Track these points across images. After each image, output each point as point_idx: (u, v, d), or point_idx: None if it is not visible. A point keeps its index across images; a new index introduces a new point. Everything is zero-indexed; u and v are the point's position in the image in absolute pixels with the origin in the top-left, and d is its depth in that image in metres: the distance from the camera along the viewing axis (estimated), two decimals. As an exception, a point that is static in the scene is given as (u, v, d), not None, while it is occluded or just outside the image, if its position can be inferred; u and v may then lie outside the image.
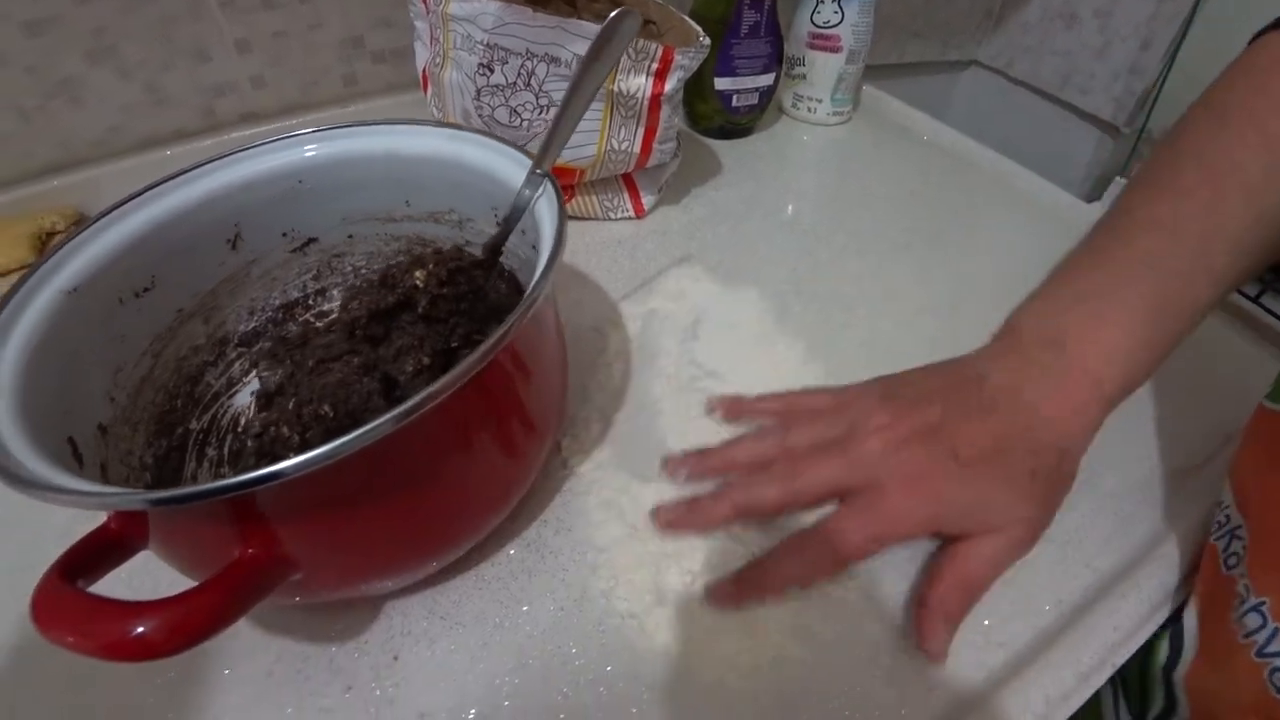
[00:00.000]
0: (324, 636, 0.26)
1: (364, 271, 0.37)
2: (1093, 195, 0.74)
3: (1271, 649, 0.24)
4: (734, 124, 0.59)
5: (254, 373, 0.35)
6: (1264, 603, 0.24)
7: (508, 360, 0.21)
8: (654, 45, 0.39)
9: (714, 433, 0.33)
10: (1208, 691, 0.27)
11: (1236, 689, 0.25)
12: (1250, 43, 0.32)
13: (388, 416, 0.18)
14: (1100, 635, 0.27)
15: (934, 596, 0.26)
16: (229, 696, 0.25)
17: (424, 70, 0.45)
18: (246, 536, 0.20)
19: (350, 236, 0.36)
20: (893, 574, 0.28)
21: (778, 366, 0.37)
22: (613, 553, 0.28)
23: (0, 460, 0.19)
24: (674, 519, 0.28)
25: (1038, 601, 0.28)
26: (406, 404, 0.18)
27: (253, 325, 0.35)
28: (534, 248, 0.30)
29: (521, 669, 0.25)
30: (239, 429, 0.33)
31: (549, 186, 0.26)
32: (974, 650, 0.26)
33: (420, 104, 0.54)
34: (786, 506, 0.27)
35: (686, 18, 0.44)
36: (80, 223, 0.50)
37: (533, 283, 0.22)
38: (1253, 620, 0.24)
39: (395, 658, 0.25)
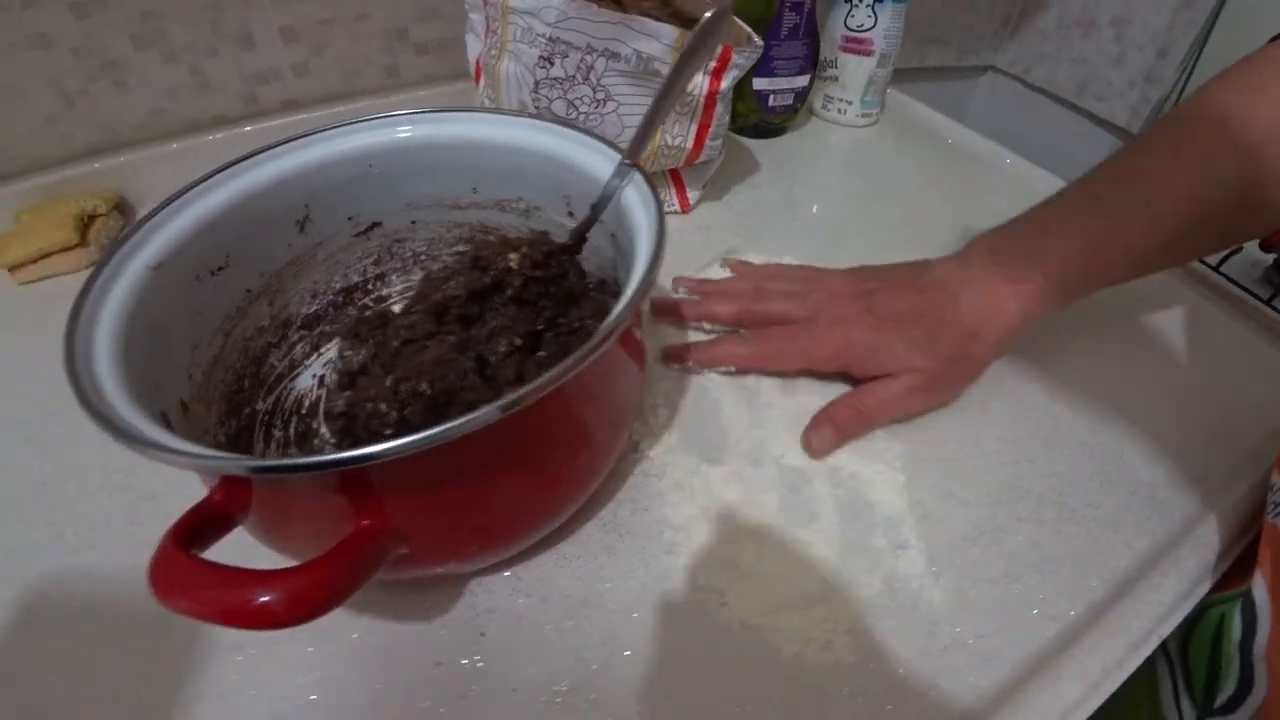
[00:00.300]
0: (409, 615, 0.26)
1: (423, 258, 0.38)
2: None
3: None
4: (769, 124, 0.60)
5: (315, 355, 0.35)
6: None
7: (615, 344, 0.22)
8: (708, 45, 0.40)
9: (767, 415, 0.34)
10: None
11: None
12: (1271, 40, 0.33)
13: (532, 386, 0.19)
14: (1148, 607, 0.28)
15: (831, 408, 0.33)
16: (313, 673, 0.25)
17: (477, 61, 0.45)
18: (363, 509, 0.21)
19: (413, 222, 0.36)
20: (951, 557, 0.29)
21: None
22: (689, 531, 0.29)
23: (129, 429, 0.20)
24: (671, 354, 0.37)
25: (1084, 580, 0.29)
26: (545, 376, 0.19)
27: (314, 308, 0.36)
28: (612, 236, 0.31)
29: (609, 642, 0.26)
30: (302, 410, 0.34)
31: (639, 176, 0.27)
32: (1029, 624, 0.27)
33: (461, 95, 0.55)
34: (747, 322, 0.37)
35: (736, 19, 0.45)
36: (121, 206, 0.50)
37: (642, 271, 0.23)
38: None
39: (482, 634, 0.26)
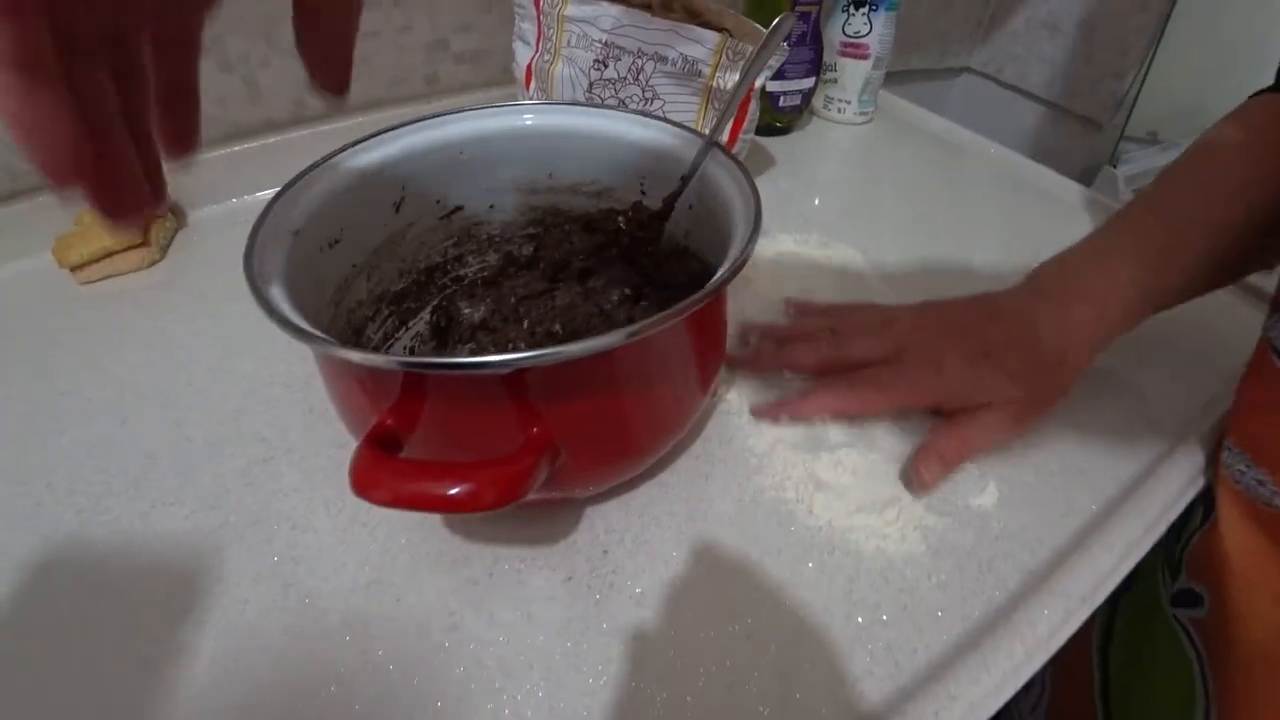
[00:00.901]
0: (535, 542, 0.30)
1: (497, 240, 0.41)
2: (1084, 183, 0.82)
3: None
4: (778, 123, 0.65)
5: (403, 329, 0.38)
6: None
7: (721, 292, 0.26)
8: (750, 47, 0.44)
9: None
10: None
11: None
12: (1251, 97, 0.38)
13: (683, 305, 0.22)
14: (1137, 519, 0.32)
15: (934, 442, 0.33)
16: (451, 599, 0.28)
17: (529, 66, 0.49)
18: (531, 417, 0.24)
19: (491, 206, 0.40)
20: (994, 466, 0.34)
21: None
22: (770, 457, 0.33)
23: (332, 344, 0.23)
24: (762, 411, 0.36)
25: (1102, 482, 0.34)
26: (691, 299, 0.23)
27: (401, 285, 0.39)
28: (690, 207, 0.35)
29: (713, 547, 0.29)
30: None
31: (719, 152, 0.31)
32: (1026, 551, 0.31)
33: (498, 99, 0.58)
34: (829, 368, 0.37)
35: (759, 26, 0.50)
36: (175, 209, 0.52)
37: (746, 232, 0.26)
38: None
39: (605, 552, 0.29)
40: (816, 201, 0.56)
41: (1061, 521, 0.32)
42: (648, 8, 0.48)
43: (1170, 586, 0.37)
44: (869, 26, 0.64)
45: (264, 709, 0.25)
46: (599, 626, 0.27)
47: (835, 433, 0.35)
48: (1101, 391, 0.38)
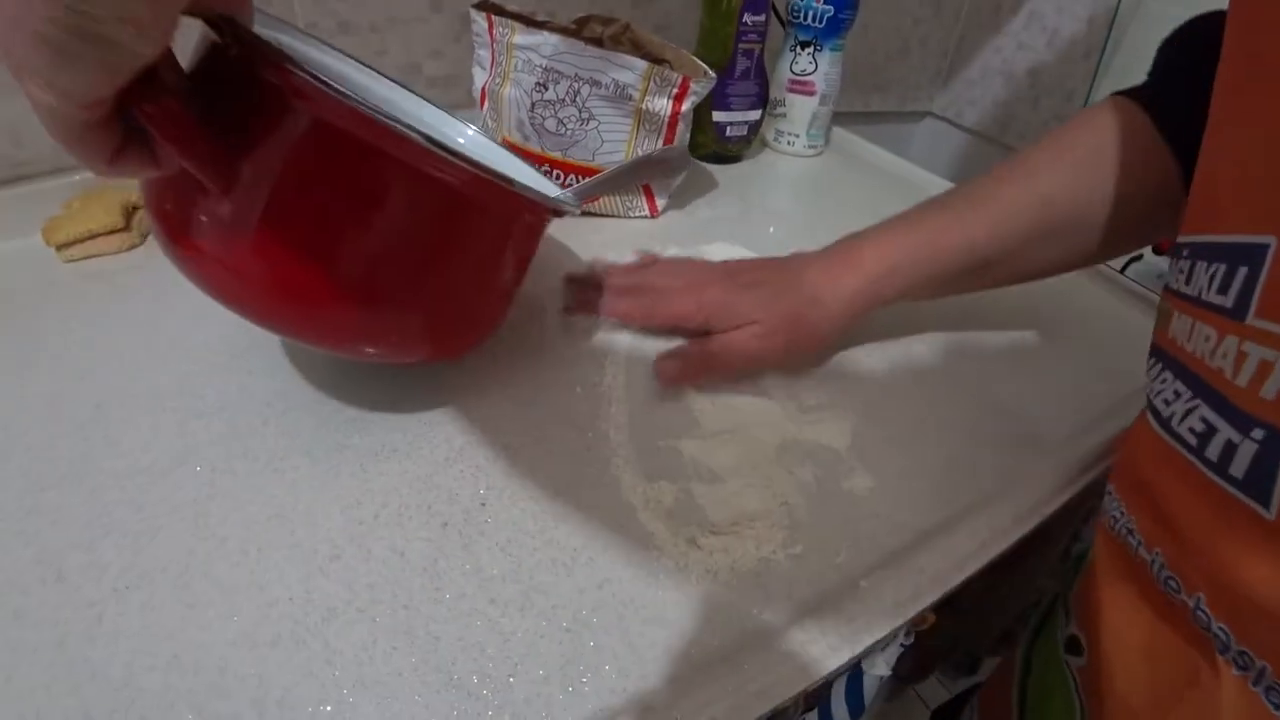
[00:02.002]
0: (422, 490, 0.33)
1: None
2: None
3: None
4: (727, 152, 0.70)
5: None
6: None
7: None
8: (676, 74, 0.49)
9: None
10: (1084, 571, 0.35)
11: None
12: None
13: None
14: (1006, 511, 0.35)
15: (681, 346, 0.40)
16: (337, 536, 0.31)
17: (483, 88, 0.54)
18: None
19: None
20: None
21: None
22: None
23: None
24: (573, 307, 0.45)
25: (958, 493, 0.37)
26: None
27: None
28: None
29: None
30: None
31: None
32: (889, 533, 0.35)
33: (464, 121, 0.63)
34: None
35: (695, 58, 0.55)
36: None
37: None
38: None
39: (483, 504, 0.33)
40: (754, 224, 0.60)
41: (930, 510, 0.35)
42: (599, 41, 0.53)
43: (1064, 630, 0.38)
44: (814, 65, 0.69)
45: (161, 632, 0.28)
46: (462, 567, 0.30)
47: (708, 419, 0.38)
48: (989, 392, 0.42)
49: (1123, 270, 0.78)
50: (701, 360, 0.39)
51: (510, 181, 0.29)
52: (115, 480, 0.34)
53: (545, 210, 0.34)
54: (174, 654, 0.27)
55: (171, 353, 0.41)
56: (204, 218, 0.28)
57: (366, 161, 0.28)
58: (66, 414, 0.37)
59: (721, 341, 0.39)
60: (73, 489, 0.33)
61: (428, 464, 0.34)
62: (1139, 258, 0.80)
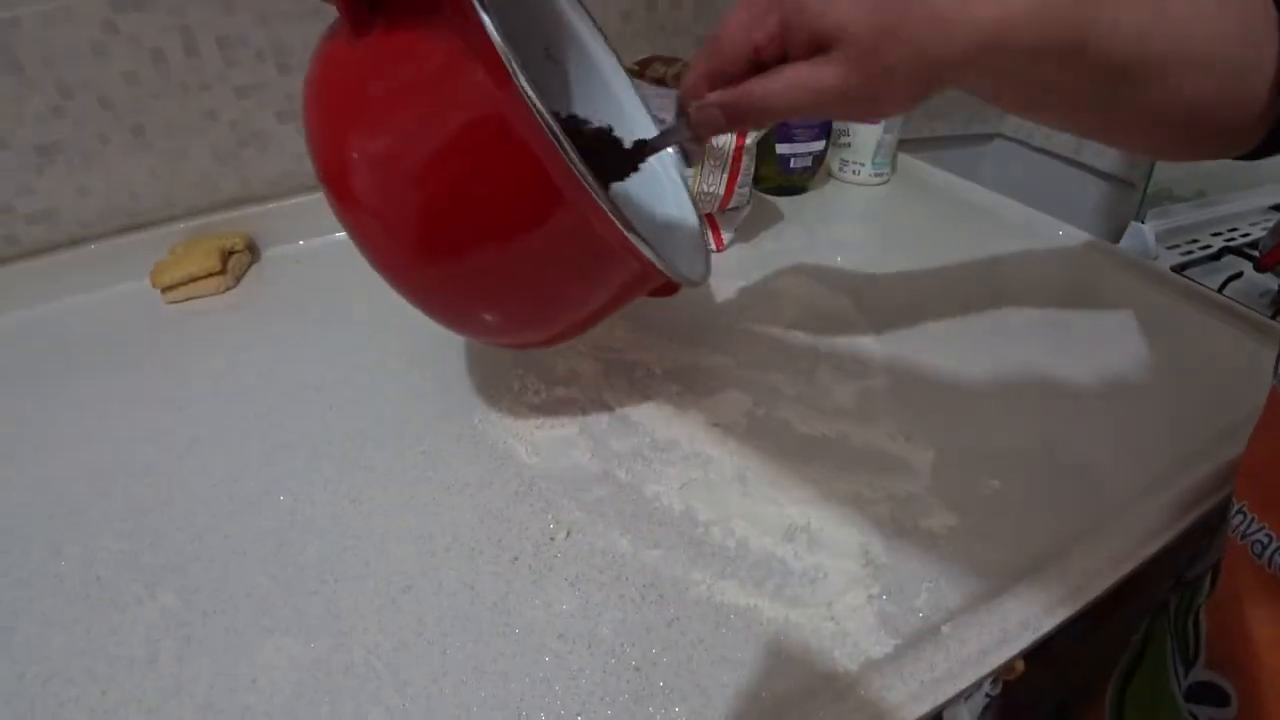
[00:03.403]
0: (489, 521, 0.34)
1: None
2: (1114, 240, 0.82)
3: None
4: (791, 183, 0.69)
5: None
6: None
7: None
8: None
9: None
10: (1221, 609, 0.31)
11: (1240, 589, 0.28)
12: None
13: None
14: (1100, 551, 0.32)
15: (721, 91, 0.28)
16: (409, 566, 0.32)
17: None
18: None
19: None
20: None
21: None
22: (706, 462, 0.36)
23: None
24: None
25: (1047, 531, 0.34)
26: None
27: None
28: None
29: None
30: None
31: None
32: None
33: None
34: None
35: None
36: (251, 246, 0.61)
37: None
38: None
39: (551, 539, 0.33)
40: (821, 255, 0.59)
41: (1016, 549, 0.33)
42: (662, 81, 0.54)
43: (1183, 675, 0.34)
44: (879, 94, 0.68)
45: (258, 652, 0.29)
46: (532, 602, 0.30)
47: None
48: (1080, 421, 0.39)
49: (1221, 290, 0.73)
50: (742, 103, 0.28)
51: (660, 257, 0.29)
52: (206, 507, 0.36)
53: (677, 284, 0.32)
54: (253, 677, 0.28)
55: (259, 387, 0.44)
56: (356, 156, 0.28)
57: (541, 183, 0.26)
58: (166, 444, 0.40)
59: (783, 77, 0.27)
60: (170, 514, 0.35)
61: (499, 498, 0.35)
62: (1239, 275, 0.75)
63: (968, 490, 0.35)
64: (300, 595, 0.31)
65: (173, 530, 0.34)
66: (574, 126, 0.36)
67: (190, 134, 0.58)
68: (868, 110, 0.28)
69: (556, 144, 0.24)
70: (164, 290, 0.55)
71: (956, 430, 0.39)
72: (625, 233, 0.27)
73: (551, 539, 0.32)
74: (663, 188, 0.43)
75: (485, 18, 0.24)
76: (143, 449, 0.39)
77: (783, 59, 0.27)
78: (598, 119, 0.38)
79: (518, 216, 0.28)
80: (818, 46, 0.26)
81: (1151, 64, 0.27)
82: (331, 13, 0.28)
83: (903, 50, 0.25)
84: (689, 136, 0.31)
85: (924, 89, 0.27)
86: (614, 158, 0.34)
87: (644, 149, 0.34)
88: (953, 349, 0.46)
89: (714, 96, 0.29)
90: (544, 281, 0.30)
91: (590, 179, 0.25)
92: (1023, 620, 0.28)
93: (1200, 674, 0.31)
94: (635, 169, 0.34)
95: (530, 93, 0.24)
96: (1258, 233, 0.86)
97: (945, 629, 0.28)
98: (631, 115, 0.42)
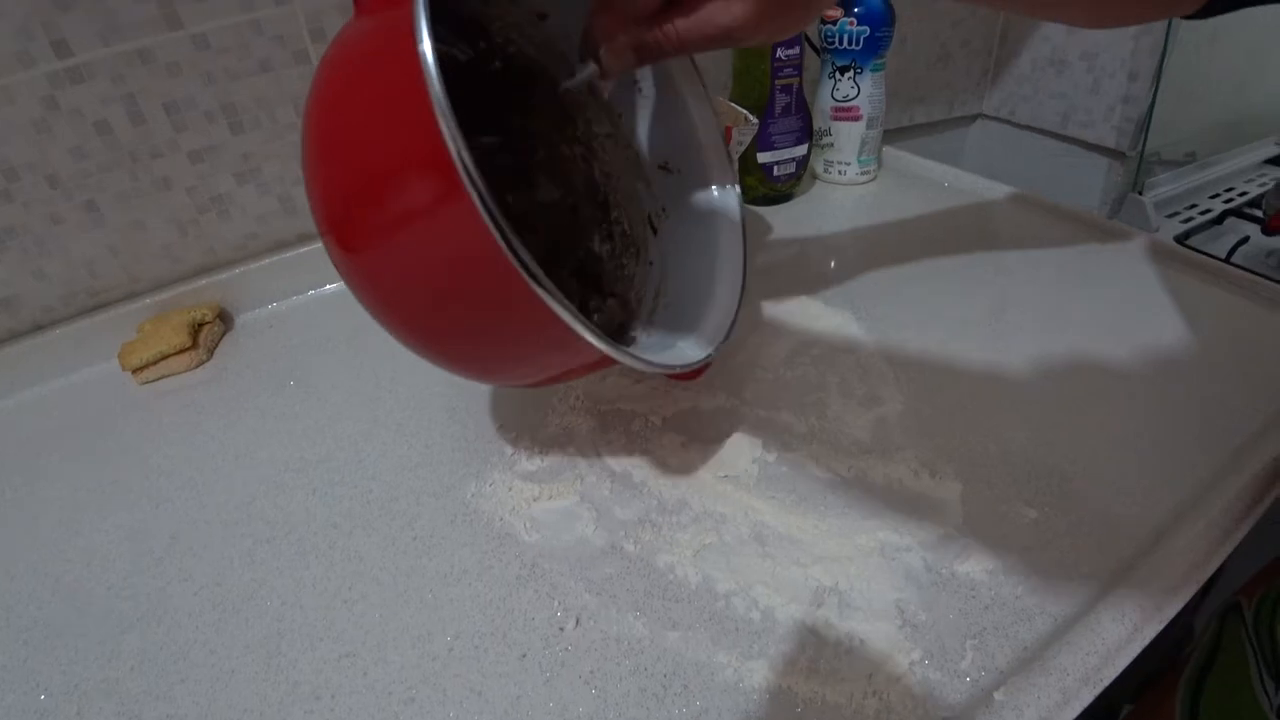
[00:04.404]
0: (493, 616, 0.31)
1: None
2: (1112, 214, 0.79)
3: None
4: (776, 192, 0.67)
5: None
6: None
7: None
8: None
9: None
10: None
11: None
12: None
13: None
14: (1156, 581, 0.30)
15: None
16: (411, 673, 0.30)
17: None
18: None
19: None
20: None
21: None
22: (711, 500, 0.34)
23: None
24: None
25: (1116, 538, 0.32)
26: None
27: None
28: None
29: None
30: None
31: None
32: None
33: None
34: None
35: (733, 104, 0.53)
36: (222, 315, 0.59)
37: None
38: None
39: (560, 630, 0.30)
40: (814, 263, 0.57)
41: (1064, 589, 0.30)
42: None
43: (1274, 691, 0.33)
44: (856, 90, 0.66)
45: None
46: (545, 706, 0.28)
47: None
48: (1118, 431, 0.37)
49: (1229, 256, 0.70)
50: (664, 39, 0.29)
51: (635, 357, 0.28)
52: (191, 619, 0.33)
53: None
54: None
55: (238, 472, 0.41)
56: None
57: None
58: (145, 547, 0.37)
59: (695, 16, 0.29)
60: (151, 630, 0.33)
61: (500, 585, 0.32)
62: (1246, 240, 0.73)
63: (1003, 524, 0.33)
64: (297, 715, 0.28)
65: (155, 650, 0.32)
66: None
67: (146, 205, 0.55)
68: (775, 34, 0.30)
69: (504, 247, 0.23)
70: (135, 371, 0.52)
71: (981, 453, 0.37)
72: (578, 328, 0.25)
73: (561, 629, 0.30)
74: (717, 231, 0.40)
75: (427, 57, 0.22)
76: (119, 554, 0.37)
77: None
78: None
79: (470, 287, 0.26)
80: None
81: None
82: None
83: None
84: (597, 74, 0.32)
85: (813, 11, 0.30)
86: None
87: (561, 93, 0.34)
88: (961, 356, 0.44)
89: (627, 37, 0.30)
90: (506, 343, 0.28)
91: (534, 268, 0.24)
92: (1082, 675, 0.26)
93: None
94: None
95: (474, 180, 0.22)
96: (1255, 190, 0.84)
97: (998, 695, 0.25)
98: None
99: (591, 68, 0.32)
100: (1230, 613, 0.38)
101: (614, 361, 0.28)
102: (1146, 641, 0.27)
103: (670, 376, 0.33)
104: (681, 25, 0.29)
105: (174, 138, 0.54)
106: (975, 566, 0.31)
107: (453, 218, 0.24)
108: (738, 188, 0.40)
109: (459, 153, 0.22)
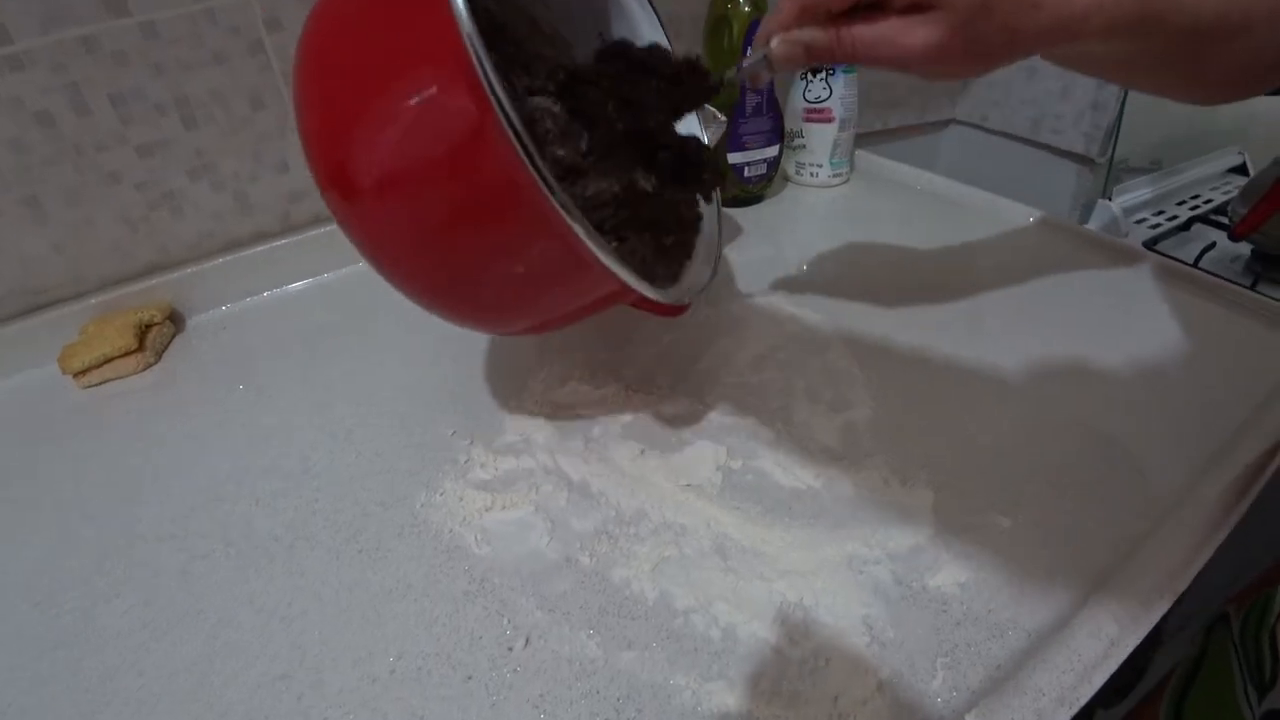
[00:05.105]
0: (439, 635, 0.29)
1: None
2: (1082, 219, 0.80)
3: None
4: (748, 193, 0.66)
5: None
6: None
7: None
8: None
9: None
10: None
11: None
12: None
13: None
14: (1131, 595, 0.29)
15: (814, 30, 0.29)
16: (349, 698, 0.28)
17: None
18: None
19: None
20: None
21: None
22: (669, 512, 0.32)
23: None
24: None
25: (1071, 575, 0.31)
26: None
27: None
28: None
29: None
30: None
31: None
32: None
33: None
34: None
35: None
36: (173, 316, 0.56)
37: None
38: None
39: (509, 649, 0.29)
40: (787, 265, 0.56)
41: (1039, 603, 0.29)
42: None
43: (1256, 701, 0.32)
44: (829, 91, 0.65)
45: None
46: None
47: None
48: (1091, 436, 0.36)
49: (1197, 261, 0.71)
50: (838, 45, 0.29)
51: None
52: (117, 640, 0.31)
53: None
54: None
55: (178, 481, 0.39)
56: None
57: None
58: (73, 563, 0.35)
59: (877, 29, 0.28)
60: (75, 652, 0.31)
61: (447, 601, 0.30)
62: (1212, 246, 0.73)
63: (975, 534, 0.32)
64: (224, 745, 0.26)
65: (78, 674, 0.30)
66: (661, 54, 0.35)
67: (93, 201, 0.52)
68: (947, 72, 0.29)
69: (527, 162, 0.24)
70: (76, 375, 0.49)
71: (952, 459, 0.36)
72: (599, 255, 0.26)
73: (509, 649, 0.28)
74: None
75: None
76: (44, 570, 0.34)
77: (877, 7, 0.28)
78: None
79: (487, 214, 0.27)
80: (917, 4, 0.27)
81: (1233, 19, 0.27)
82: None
83: (995, 21, 0.26)
84: (765, 66, 0.31)
85: (1004, 58, 0.28)
86: (692, 90, 0.34)
87: (720, 81, 0.34)
88: (933, 360, 0.43)
89: (803, 34, 0.29)
90: (515, 278, 0.29)
91: (552, 183, 0.24)
92: (1058, 695, 0.25)
93: (1277, 701, 0.29)
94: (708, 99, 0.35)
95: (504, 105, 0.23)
96: (1219, 197, 0.85)
97: (970, 718, 0.24)
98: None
99: (761, 54, 0.31)
100: (1218, 623, 0.37)
101: (616, 296, 0.29)
102: (1123, 657, 0.26)
103: (658, 310, 0.33)
104: (860, 34, 0.28)
105: (121, 131, 0.51)
106: (947, 579, 0.29)
107: (473, 131, 0.25)
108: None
109: (478, 55, 0.23)
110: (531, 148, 0.24)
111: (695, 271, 0.38)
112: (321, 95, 0.29)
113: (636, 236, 0.34)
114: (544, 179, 0.24)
